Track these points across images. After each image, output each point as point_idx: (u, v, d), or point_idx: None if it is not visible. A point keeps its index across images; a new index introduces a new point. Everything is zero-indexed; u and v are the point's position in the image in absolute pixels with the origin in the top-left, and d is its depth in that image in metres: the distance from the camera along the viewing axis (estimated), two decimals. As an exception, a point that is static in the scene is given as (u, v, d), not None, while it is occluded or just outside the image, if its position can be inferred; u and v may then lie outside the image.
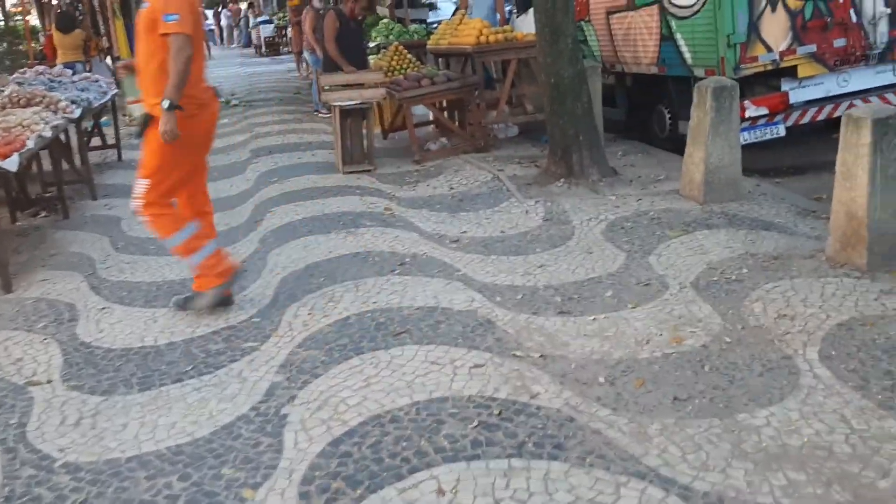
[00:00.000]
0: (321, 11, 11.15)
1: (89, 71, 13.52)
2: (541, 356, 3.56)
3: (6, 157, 4.69)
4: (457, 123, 8.60)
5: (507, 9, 16.03)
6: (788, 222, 5.23)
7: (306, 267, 5.09)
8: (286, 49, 25.50)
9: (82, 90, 7.79)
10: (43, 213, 6.80)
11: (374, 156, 7.95)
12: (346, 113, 7.67)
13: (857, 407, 2.93)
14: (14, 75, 8.26)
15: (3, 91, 6.59)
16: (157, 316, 4.45)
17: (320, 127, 10.69)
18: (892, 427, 2.79)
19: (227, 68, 22.08)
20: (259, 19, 26.83)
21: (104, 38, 15.13)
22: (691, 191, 5.78)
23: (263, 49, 25.99)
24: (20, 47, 18.33)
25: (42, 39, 15.87)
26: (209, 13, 35.40)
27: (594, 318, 3.93)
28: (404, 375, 3.49)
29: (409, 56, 8.98)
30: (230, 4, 34.17)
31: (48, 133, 5.59)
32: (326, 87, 7.56)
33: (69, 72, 8.77)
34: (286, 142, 9.73)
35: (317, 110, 11.74)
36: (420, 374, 3.49)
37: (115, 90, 8.80)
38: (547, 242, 5.29)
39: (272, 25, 25.95)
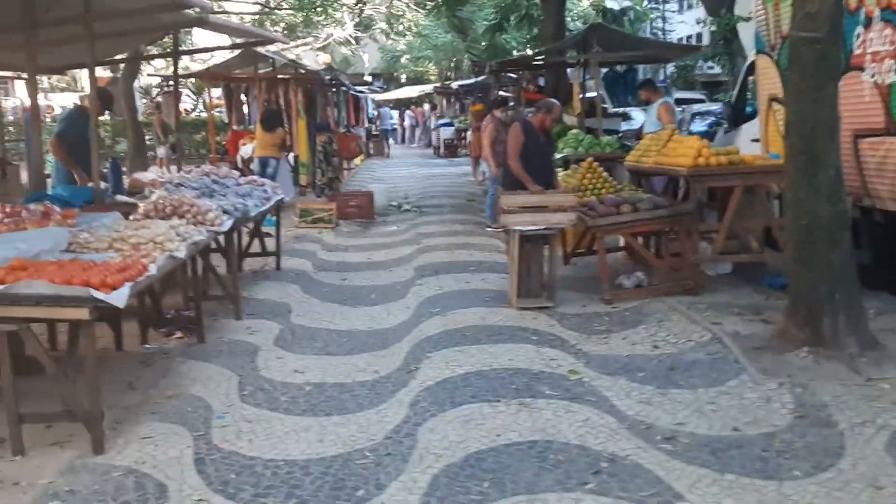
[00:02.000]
0: (504, 121, 10.27)
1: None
2: None
3: (114, 288, 3.83)
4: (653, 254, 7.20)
5: (707, 122, 14.59)
6: None
7: (465, 459, 3.79)
8: (464, 152, 25.28)
9: (243, 195, 7.13)
10: (177, 334, 6.00)
11: (555, 289, 6.66)
12: (525, 237, 6.48)
13: None
14: (178, 173, 7.80)
15: (151, 194, 5.97)
16: (260, 525, 3.28)
17: (492, 244, 9.60)
18: None
19: (404, 168, 21.97)
20: (440, 122, 26.90)
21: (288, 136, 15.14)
22: None
23: (442, 150, 25.89)
24: (218, 139, 18.86)
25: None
26: (394, 113, 36.36)
27: None
28: None
29: (604, 174, 7.74)
30: (413, 107, 34.93)
31: (181, 253, 4.77)
32: (507, 208, 6.42)
33: (235, 174, 8.23)
34: (454, 259, 8.68)
35: (489, 225, 10.71)
36: None
37: (281, 195, 8.16)
38: (807, 458, 3.69)
39: (452, 128, 25.87)
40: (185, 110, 29.85)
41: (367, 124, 25.90)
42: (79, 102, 7.23)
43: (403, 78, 44.40)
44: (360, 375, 5.13)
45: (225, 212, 6.08)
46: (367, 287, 7.68)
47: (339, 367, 5.30)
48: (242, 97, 16.23)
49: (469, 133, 22.02)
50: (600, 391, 4.64)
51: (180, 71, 16.96)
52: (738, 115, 9.88)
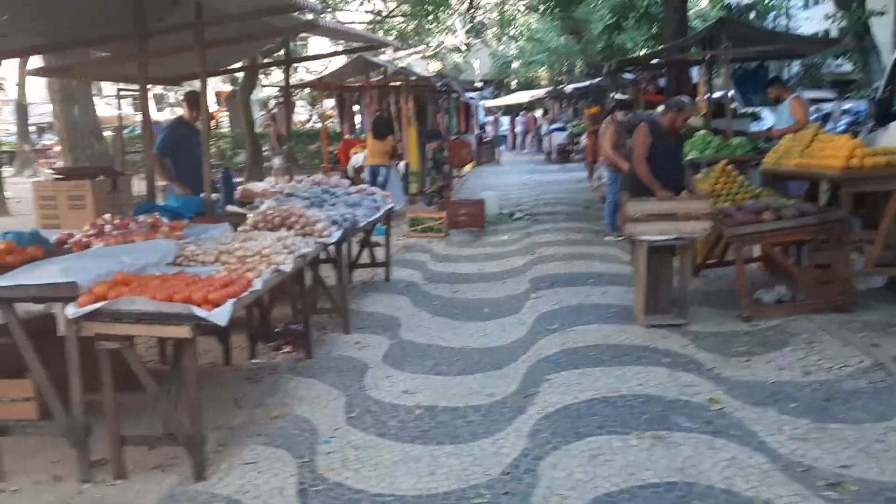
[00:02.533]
0: (625, 124, 9.72)
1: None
2: None
3: (217, 304, 3.61)
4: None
5: (845, 120, 13.49)
6: None
7: (594, 502, 3.35)
8: (577, 157, 24.61)
9: (353, 205, 6.92)
10: (286, 349, 5.82)
11: (687, 305, 6.08)
12: (653, 248, 5.95)
13: None
14: (289, 183, 7.68)
15: (261, 204, 5.82)
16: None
17: (612, 253, 9.05)
18: None
19: (515, 175, 21.52)
20: (553, 126, 26.29)
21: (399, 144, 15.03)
22: None
23: (554, 156, 25.29)
24: (331, 149, 18.99)
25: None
26: (505, 119, 35.99)
27: None
28: None
29: (739, 178, 7.08)
30: (525, 112, 34.45)
31: (288, 267, 4.54)
32: (634, 216, 5.90)
33: (346, 183, 8.07)
34: (572, 270, 8.19)
35: (607, 233, 10.15)
36: None
37: (391, 204, 7.92)
38: None
39: (565, 133, 25.23)
40: (300, 121, 30.57)
41: (477, 131, 25.61)
42: (183, 112, 7.16)
43: (514, 84, 44.01)
44: (474, 399, 4.75)
45: (334, 222, 5.86)
46: (480, 300, 7.30)
47: (452, 389, 4.94)
48: (355, 107, 16.27)
49: (584, 137, 21.40)
50: (746, 424, 4.08)
51: (295, 82, 17.21)
52: (886, 112, 8.97)
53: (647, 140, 6.22)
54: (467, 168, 21.22)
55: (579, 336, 5.82)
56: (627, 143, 9.83)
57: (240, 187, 7.52)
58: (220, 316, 3.60)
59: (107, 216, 4.87)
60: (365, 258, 8.26)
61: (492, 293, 7.55)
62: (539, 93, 32.71)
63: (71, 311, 3.57)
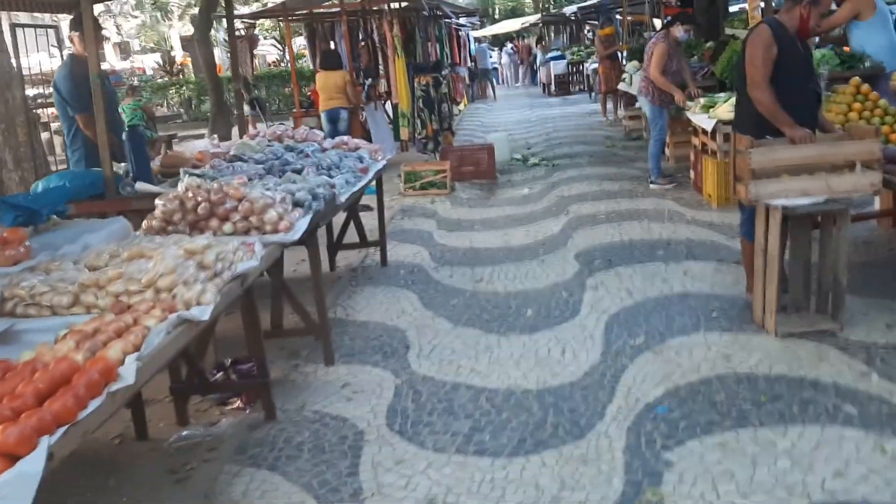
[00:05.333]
0: (681, 42, 7.63)
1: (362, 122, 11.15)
2: None
3: (13, 454, 1.54)
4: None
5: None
6: None
7: None
8: (578, 88, 22.30)
9: (328, 168, 4.81)
10: (235, 403, 3.77)
11: (843, 302, 4.00)
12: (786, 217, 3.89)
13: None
14: (238, 140, 5.50)
15: (181, 183, 3.67)
16: None
17: (667, 207, 6.99)
18: None
19: (514, 112, 19.21)
20: (550, 55, 23.78)
21: (383, 80, 12.72)
22: None
23: (553, 88, 22.91)
24: (305, 90, 16.59)
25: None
26: (491, 50, 33.29)
27: None
28: None
29: (881, 102, 4.93)
30: (516, 41, 31.72)
31: (206, 310, 2.44)
32: (760, 169, 3.82)
33: (319, 135, 5.91)
34: (627, 237, 6.14)
35: (652, 180, 8.05)
36: None
37: (383, 160, 5.77)
38: None
39: (564, 62, 22.81)
40: (272, 62, 27.99)
41: (469, 63, 23.08)
42: (74, 50, 4.91)
43: (497, 13, 41.18)
44: (555, 518, 2.71)
45: (297, 204, 3.75)
46: (516, 294, 5.18)
47: (509, 494, 2.89)
48: (330, 43, 13.85)
49: (589, 65, 19.07)
50: None
51: (257, 11, 14.60)
52: None
53: (771, 52, 4.07)
54: (461, 106, 18.90)
55: (683, 359, 3.82)
56: (674, 66, 7.73)
57: (170, 150, 5.38)
58: (15, 489, 1.52)
59: None
60: (351, 234, 6.15)
61: (530, 281, 5.44)
62: (532, 18, 30.03)
63: None
